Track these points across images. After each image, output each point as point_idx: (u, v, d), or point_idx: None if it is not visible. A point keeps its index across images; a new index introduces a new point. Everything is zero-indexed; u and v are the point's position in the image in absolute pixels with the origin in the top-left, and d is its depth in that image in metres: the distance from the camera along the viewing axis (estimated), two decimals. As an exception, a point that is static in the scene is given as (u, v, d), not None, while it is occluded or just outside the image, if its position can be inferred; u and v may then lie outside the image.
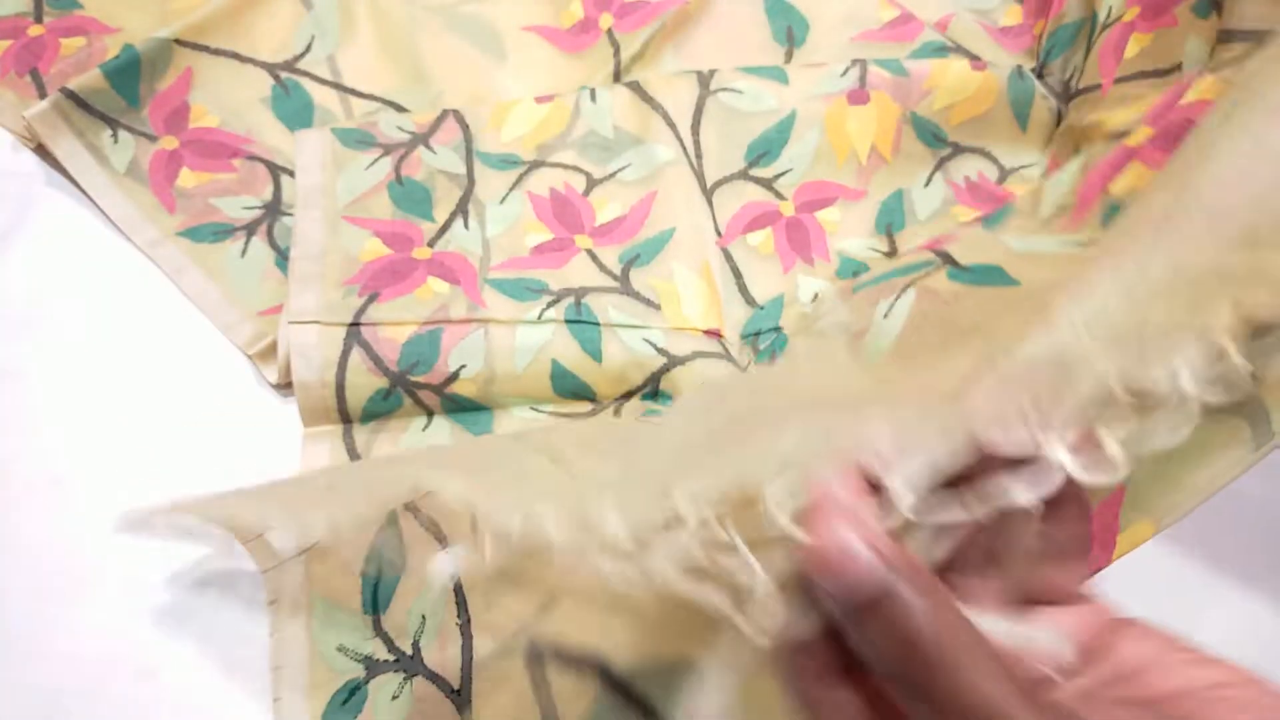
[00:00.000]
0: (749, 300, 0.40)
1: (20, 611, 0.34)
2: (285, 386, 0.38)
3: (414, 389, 0.36)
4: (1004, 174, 0.43)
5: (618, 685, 0.24)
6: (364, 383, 0.36)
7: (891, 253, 0.41)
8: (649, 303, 0.38)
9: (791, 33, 0.46)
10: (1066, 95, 0.43)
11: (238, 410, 0.38)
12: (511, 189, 0.41)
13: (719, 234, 0.41)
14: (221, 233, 0.41)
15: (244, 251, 0.40)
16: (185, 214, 0.41)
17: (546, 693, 0.24)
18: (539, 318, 0.37)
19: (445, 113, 0.43)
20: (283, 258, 0.40)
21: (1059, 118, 0.43)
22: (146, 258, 0.40)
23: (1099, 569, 0.25)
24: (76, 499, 0.36)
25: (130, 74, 0.42)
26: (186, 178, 0.41)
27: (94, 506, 0.35)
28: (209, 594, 0.34)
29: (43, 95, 0.41)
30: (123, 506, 0.35)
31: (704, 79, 0.43)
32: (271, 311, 0.39)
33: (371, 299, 0.37)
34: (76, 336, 0.39)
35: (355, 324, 0.36)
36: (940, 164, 0.43)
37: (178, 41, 0.43)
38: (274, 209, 0.41)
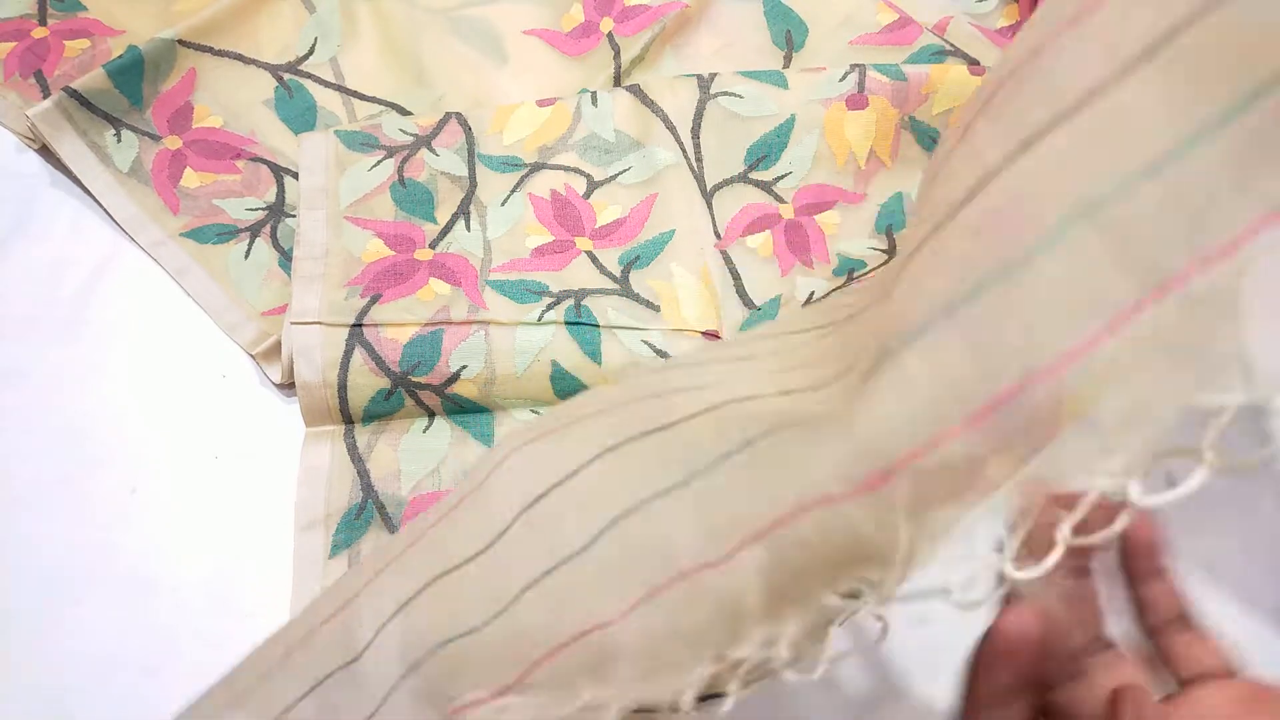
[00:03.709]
0: (746, 302, 0.40)
1: (22, 611, 0.34)
2: (288, 386, 0.38)
3: (415, 389, 0.36)
4: None
5: None
6: (366, 383, 0.36)
7: (891, 250, 0.41)
8: (648, 304, 0.39)
9: (790, 36, 0.47)
10: None
11: (240, 410, 0.38)
12: (513, 191, 0.41)
13: (718, 236, 0.41)
14: (225, 234, 0.41)
15: (247, 253, 0.40)
16: (189, 215, 0.41)
17: None
18: (539, 319, 0.37)
19: (448, 115, 0.43)
20: (286, 259, 0.40)
21: None
22: (150, 258, 0.41)
23: None
24: (78, 499, 0.36)
25: (134, 74, 0.42)
26: (190, 178, 0.42)
27: (95, 506, 0.36)
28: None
29: (47, 97, 0.41)
30: (123, 506, 0.36)
31: (704, 83, 0.43)
32: (274, 312, 0.39)
33: (374, 300, 0.37)
34: (79, 337, 0.39)
35: (358, 324, 0.36)
36: None
37: (181, 42, 0.43)
38: (277, 210, 0.41)
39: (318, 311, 0.37)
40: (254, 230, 0.41)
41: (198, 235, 0.41)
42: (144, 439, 0.37)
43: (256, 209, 0.41)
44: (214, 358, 0.39)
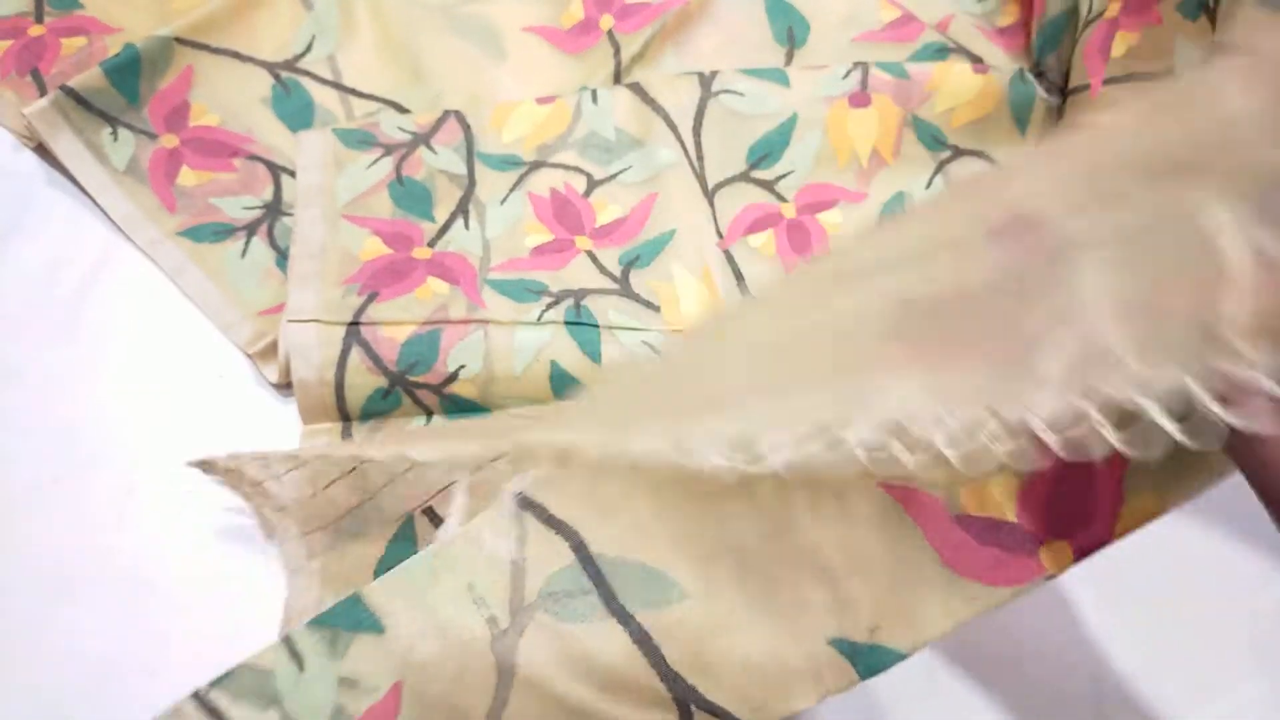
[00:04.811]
0: None
1: (20, 611, 0.34)
2: (284, 386, 0.38)
3: (413, 389, 0.36)
4: None
5: (588, 561, 0.24)
6: (363, 382, 0.36)
7: None
8: (648, 304, 0.38)
9: (792, 33, 0.46)
10: (1064, 92, 0.43)
11: (236, 410, 0.38)
12: (512, 189, 0.41)
13: (720, 235, 0.41)
14: (222, 232, 0.41)
15: (244, 252, 0.40)
16: (186, 213, 0.41)
17: (522, 541, 0.24)
18: (538, 319, 0.37)
19: (446, 113, 0.42)
20: (283, 258, 0.40)
21: (1060, 115, 0.43)
22: (146, 257, 0.40)
23: (1101, 543, 0.24)
24: (74, 500, 0.36)
25: (130, 72, 0.42)
26: (187, 176, 0.41)
27: (92, 507, 0.36)
28: (212, 590, 0.34)
29: (43, 95, 0.41)
30: (122, 505, 0.36)
31: (705, 80, 0.43)
32: (271, 311, 0.39)
33: (371, 298, 0.37)
34: (75, 336, 0.39)
35: (355, 323, 0.36)
36: (940, 166, 0.43)
37: (178, 40, 0.43)
38: (274, 209, 0.41)
39: (314, 309, 0.37)
40: (251, 229, 0.41)
41: (194, 234, 0.40)
42: (141, 439, 0.37)
43: (253, 207, 0.41)
44: (211, 357, 0.39)
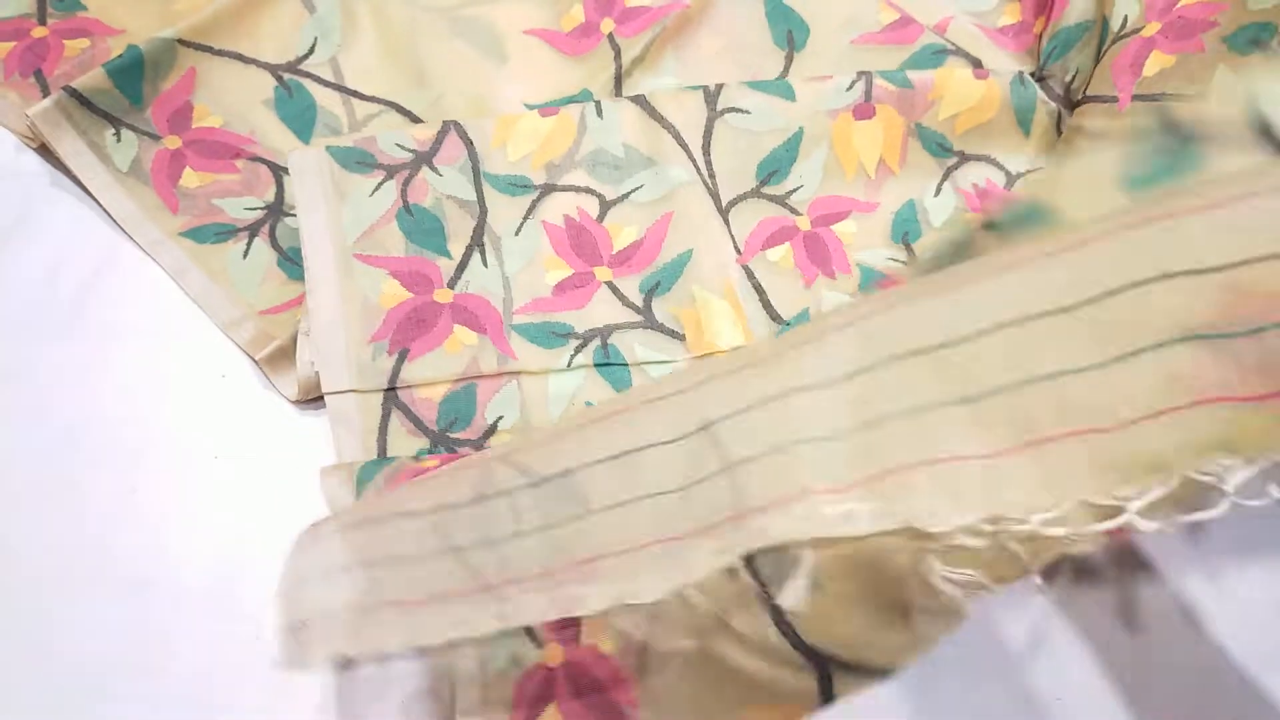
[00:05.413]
0: (774, 316, 0.40)
1: (20, 612, 0.34)
2: (303, 402, 0.38)
3: (454, 446, 0.36)
4: (1011, 179, 0.43)
5: None
6: (405, 445, 0.36)
7: (910, 262, 0.41)
8: (672, 334, 0.38)
9: (792, 37, 0.47)
10: (1068, 99, 0.43)
11: (238, 409, 0.38)
12: (525, 218, 0.41)
13: (738, 251, 0.41)
14: (224, 233, 0.41)
15: (246, 252, 0.40)
16: (188, 214, 0.41)
17: None
18: (569, 364, 0.37)
19: (446, 126, 0.42)
20: (285, 258, 0.40)
21: (1059, 120, 0.43)
22: (149, 258, 0.40)
23: None
24: (77, 499, 0.36)
25: (134, 73, 0.42)
26: (189, 178, 0.42)
27: (94, 506, 0.36)
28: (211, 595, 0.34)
29: (47, 96, 0.41)
30: (123, 506, 0.36)
31: (711, 97, 0.43)
32: (273, 310, 0.39)
33: (402, 357, 0.37)
34: (78, 336, 0.39)
35: (391, 388, 0.36)
36: (948, 173, 0.43)
37: (181, 42, 0.43)
38: (276, 209, 0.41)
39: (349, 379, 0.36)
40: (253, 230, 0.41)
41: (196, 235, 0.41)
42: (143, 439, 0.37)
43: (255, 208, 0.41)
44: (213, 357, 0.39)
